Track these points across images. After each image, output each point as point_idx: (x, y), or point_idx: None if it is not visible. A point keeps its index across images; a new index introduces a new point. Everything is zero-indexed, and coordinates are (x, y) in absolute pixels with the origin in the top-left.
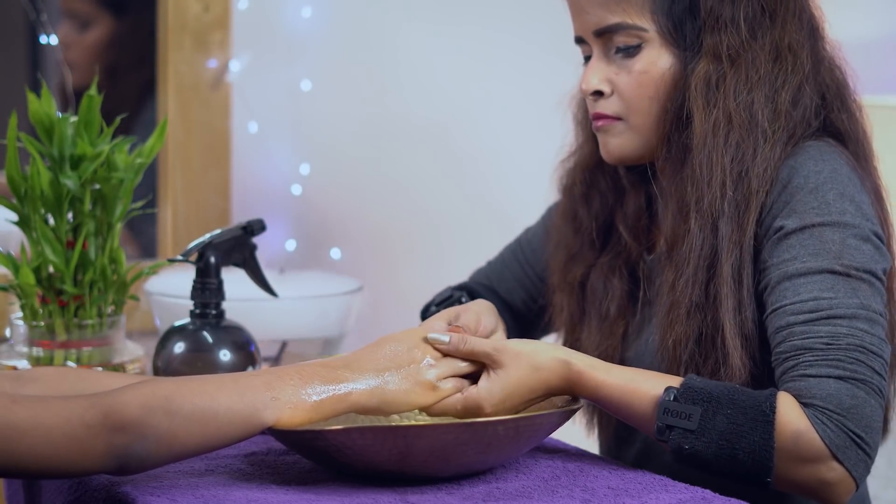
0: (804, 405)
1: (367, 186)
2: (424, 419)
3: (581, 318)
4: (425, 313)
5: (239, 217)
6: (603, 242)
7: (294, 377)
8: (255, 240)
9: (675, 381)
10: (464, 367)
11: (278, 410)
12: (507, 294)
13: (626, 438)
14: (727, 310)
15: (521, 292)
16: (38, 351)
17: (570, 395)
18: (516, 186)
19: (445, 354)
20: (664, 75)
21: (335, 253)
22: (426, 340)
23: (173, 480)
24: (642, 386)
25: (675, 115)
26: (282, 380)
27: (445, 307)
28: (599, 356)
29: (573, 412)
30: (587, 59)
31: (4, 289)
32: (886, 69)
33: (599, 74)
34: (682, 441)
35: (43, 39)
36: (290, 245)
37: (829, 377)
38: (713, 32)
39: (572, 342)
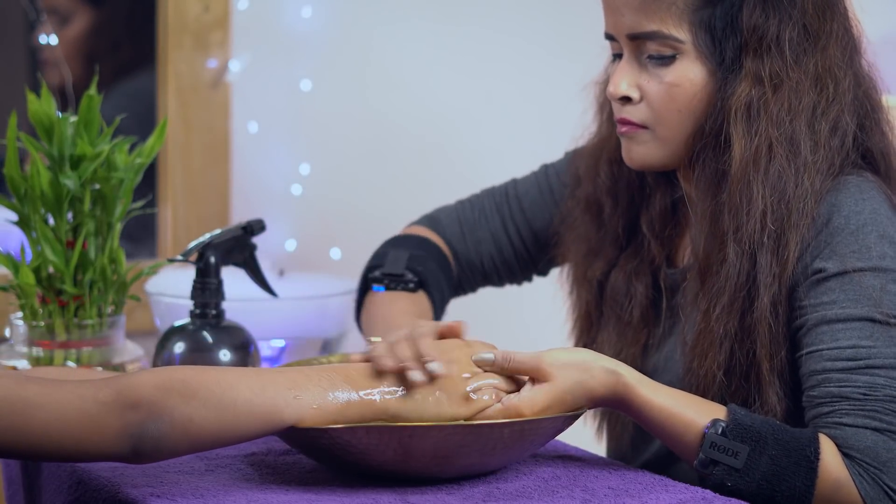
0: (842, 455)
1: (367, 186)
2: None
3: (599, 317)
4: (369, 272)
5: (239, 217)
6: (626, 240)
7: (321, 378)
8: (255, 240)
9: (721, 411)
10: (501, 383)
11: (300, 410)
12: (474, 245)
13: (639, 447)
14: (764, 345)
15: (490, 248)
16: (38, 351)
17: (611, 408)
18: None
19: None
20: (697, 90)
21: (335, 253)
22: (472, 362)
23: (173, 480)
24: (687, 412)
25: (711, 137)
26: (308, 379)
27: (393, 281)
28: None
29: (577, 416)
30: (616, 56)
31: (4, 289)
32: (886, 69)
33: (628, 79)
34: (726, 478)
35: (42, 39)
36: (290, 245)
37: (867, 428)
38: (756, 54)
39: (587, 341)
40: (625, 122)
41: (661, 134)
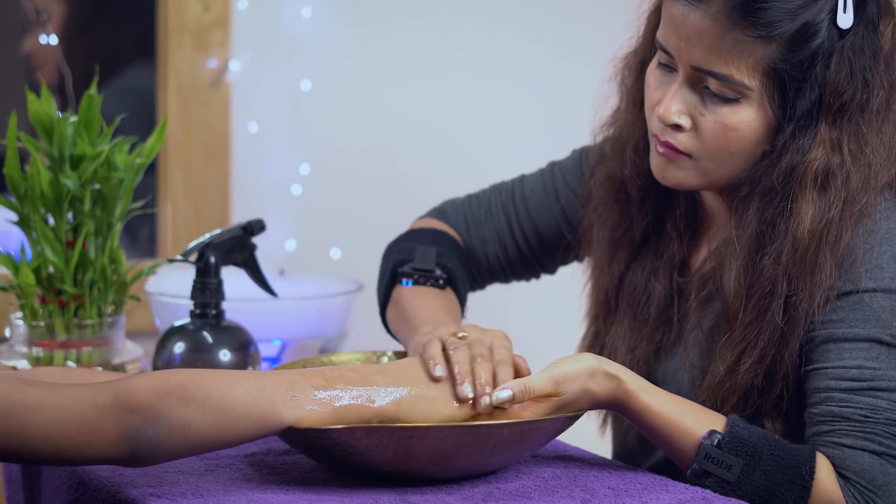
0: (838, 475)
1: (367, 186)
2: None
3: (615, 308)
4: (398, 266)
5: (239, 217)
6: (651, 235)
7: (318, 379)
8: (255, 240)
9: (719, 421)
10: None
11: (298, 410)
12: (480, 244)
13: (647, 445)
14: (776, 394)
15: (495, 247)
16: (38, 351)
17: (610, 410)
18: None
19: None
20: (755, 135)
21: (335, 253)
22: (492, 405)
23: (173, 480)
24: (686, 420)
25: (770, 190)
26: (305, 380)
27: (423, 276)
28: (631, 360)
29: (577, 417)
30: (664, 66)
31: (4, 289)
32: None
33: (681, 106)
34: (718, 490)
35: (42, 39)
36: (290, 245)
37: (865, 451)
38: (836, 119)
39: (596, 330)
40: (667, 146)
41: (704, 166)
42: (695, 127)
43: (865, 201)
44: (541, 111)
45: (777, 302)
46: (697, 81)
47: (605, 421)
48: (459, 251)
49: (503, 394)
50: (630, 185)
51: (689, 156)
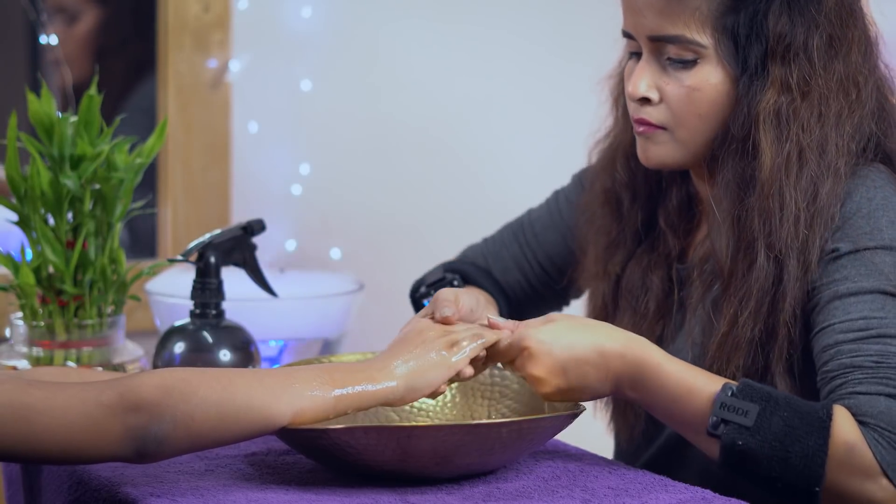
0: (858, 422)
1: (367, 186)
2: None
3: (614, 310)
4: (416, 291)
5: (239, 217)
6: (644, 233)
7: (315, 370)
8: (255, 240)
9: (731, 382)
10: (476, 330)
11: (299, 398)
12: (501, 274)
13: (651, 434)
14: (781, 346)
15: (517, 274)
16: (38, 351)
17: (621, 373)
18: (516, 186)
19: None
20: (718, 94)
21: (335, 253)
22: (488, 324)
23: (173, 480)
24: (699, 378)
25: (737, 143)
26: (304, 371)
27: (437, 289)
28: None
29: (576, 415)
30: (634, 54)
31: (4, 289)
32: None
33: (648, 80)
34: (737, 437)
35: (42, 39)
36: (290, 245)
37: (880, 395)
38: (783, 61)
39: None
40: (642, 123)
41: (679, 136)
42: (662, 98)
43: (820, 134)
44: (542, 112)
45: (759, 246)
46: (658, 54)
47: (607, 407)
48: (472, 263)
49: (496, 319)
50: (620, 189)
51: (663, 128)
